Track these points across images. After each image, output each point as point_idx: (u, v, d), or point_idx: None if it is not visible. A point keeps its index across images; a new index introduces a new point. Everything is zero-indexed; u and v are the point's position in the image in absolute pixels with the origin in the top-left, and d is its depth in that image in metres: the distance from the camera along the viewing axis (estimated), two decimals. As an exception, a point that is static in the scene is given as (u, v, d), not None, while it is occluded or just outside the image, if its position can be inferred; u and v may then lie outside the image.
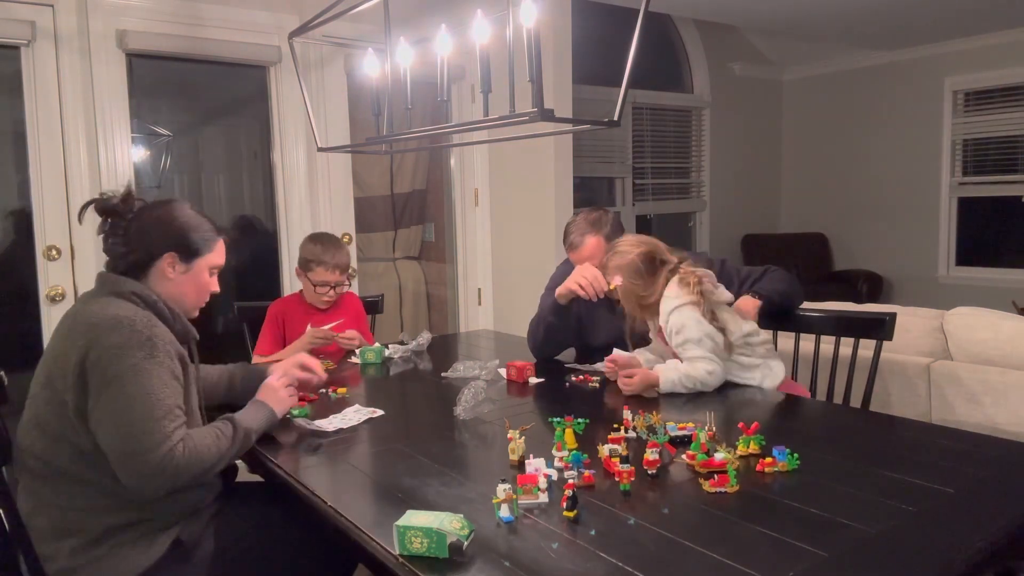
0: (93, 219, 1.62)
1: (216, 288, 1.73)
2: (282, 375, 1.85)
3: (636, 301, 2.09)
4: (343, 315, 2.76)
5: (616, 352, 2.11)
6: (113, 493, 1.46)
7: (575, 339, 2.54)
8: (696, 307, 2.01)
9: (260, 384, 1.82)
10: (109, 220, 1.60)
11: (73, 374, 1.42)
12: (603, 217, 2.45)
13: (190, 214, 1.66)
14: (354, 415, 1.86)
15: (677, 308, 2.02)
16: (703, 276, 2.05)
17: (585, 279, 2.28)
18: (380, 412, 1.90)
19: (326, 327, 2.64)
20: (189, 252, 1.63)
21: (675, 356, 2.09)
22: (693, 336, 1.99)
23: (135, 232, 1.59)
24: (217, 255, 1.70)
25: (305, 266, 2.66)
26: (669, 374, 1.99)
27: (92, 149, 3.07)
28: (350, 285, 2.79)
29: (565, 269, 2.66)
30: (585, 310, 2.53)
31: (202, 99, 3.75)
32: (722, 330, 2.03)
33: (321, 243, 2.68)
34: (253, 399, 1.74)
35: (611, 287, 2.09)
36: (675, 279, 2.06)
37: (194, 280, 1.66)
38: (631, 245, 2.11)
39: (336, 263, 2.64)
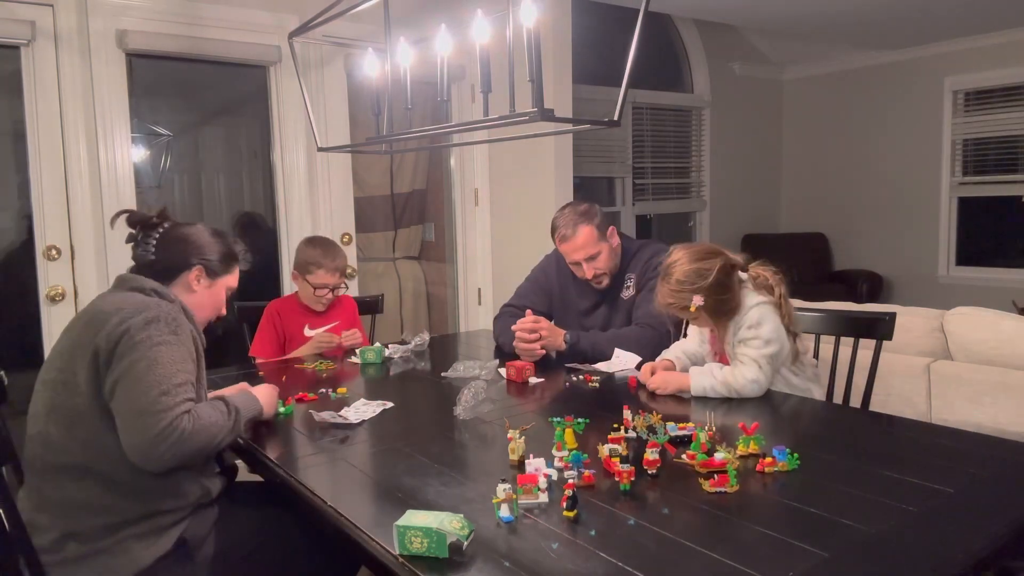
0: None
1: (224, 311, 1.84)
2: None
3: (719, 314, 2.00)
4: (339, 317, 2.76)
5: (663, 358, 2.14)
6: (122, 486, 1.47)
7: None
8: (777, 309, 1.99)
9: None
10: (141, 231, 1.72)
11: (106, 351, 1.46)
12: (592, 208, 2.52)
13: (215, 237, 1.79)
14: (365, 408, 1.90)
15: (760, 304, 1.97)
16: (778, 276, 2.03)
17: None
18: (390, 404, 1.95)
19: (323, 329, 2.65)
20: (216, 269, 1.76)
21: (714, 358, 2.08)
22: (765, 335, 1.94)
23: (168, 242, 1.70)
24: (235, 278, 1.84)
25: (304, 269, 2.66)
26: (702, 380, 1.94)
27: (92, 149, 3.06)
28: (347, 288, 2.80)
29: (546, 264, 2.70)
30: (560, 311, 2.64)
31: (202, 99, 3.74)
32: (793, 336, 2.01)
33: (321, 247, 2.68)
34: (243, 391, 1.81)
35: (692, 309, 1.95)
36: (750, 283, 2.02)
37: (213, 296, 1.78)
38: (704, 260, 1.96)
39: (336, 266, 2.66)
